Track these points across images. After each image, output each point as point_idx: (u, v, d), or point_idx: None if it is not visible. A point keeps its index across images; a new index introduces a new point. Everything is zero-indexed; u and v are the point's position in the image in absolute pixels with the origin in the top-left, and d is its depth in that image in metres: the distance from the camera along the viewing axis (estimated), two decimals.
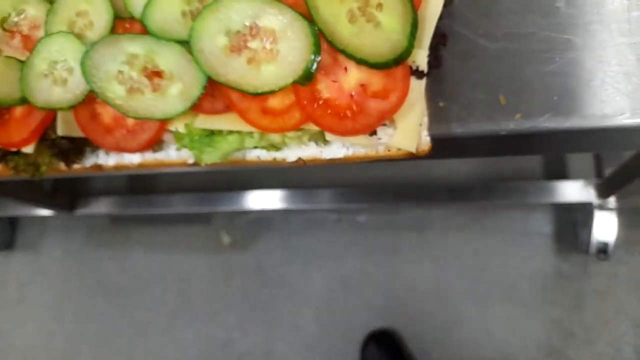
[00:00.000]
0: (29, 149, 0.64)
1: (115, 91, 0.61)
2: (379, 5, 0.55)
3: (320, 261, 2.11)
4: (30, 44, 0.67)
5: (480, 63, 0.60)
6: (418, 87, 0.56)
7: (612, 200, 1.55)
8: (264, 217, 2.17)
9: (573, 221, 1.80)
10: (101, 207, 2.10)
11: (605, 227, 1.57)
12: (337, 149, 0.59)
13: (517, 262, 1.88)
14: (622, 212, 1.61)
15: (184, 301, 2.17)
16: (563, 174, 1.80)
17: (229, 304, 2.12)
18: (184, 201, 2.09)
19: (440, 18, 0.57)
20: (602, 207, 1.56)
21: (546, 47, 0.60)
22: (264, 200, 2.04)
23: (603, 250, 1.58)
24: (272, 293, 2.10)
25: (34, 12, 0.67)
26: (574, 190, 1.60)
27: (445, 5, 0.56)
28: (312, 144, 0.60)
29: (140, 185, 2.27)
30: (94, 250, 2.28)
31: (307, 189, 2.03)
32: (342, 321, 2.03)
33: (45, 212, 2.04)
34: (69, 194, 2.08)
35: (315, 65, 0.55)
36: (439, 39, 0.57)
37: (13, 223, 2.33)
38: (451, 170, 2.02)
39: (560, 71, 0.59)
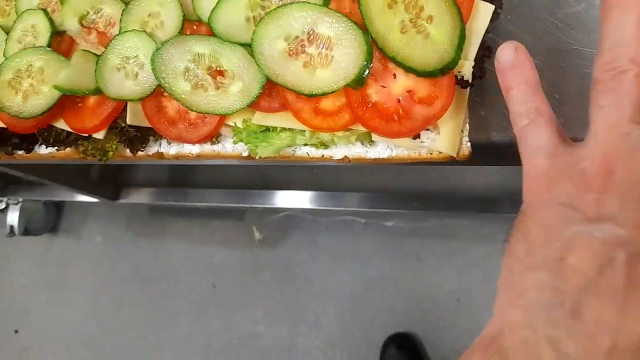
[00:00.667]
0: (99, 135, 0.71)
1: (181, 87, 0.67)
2: (430, 18, 0.59)
3: (346, 262, 2.14)
4: (105, 39, 0.73)
5: None
6: (462, 95, 0.60)
7: None
8: (295, 216, 2.22)
9: None
10: (142, 197, 2.19)
11: None
12: (381, 149, 0.64)
13: None
14: None
15: (213, 293, 2.24)
16: None
17: (256, 298, 2.18)
18: (219, 196, 2.16)
19: (487, 32, 0.61)
20: None
21: (586, 63, 0.63)
22: (296, 199, 2.09)
23: None
24: (298, 290, 2.15)
25: (110, 11, 0.74)
26: None
27: (491, 20, 0.60)
28: (359, 143, 0.65)
29: (179, 179, 2.35)
30: (131, 239, 2.38)
31: (337, 192, 2.07)
32: (364, 322, 2.06)
33: (89, 199, 2.14)
34: (113, 184, 2.18)
35: (367, 72, 0.59)
36: (484, 51, 0.60)
37: (59, 207, 2.45)
38: (480, 182, 2.04)
39: None
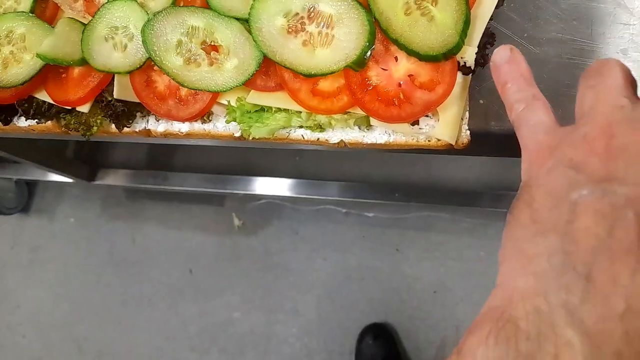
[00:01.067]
0: (83, 108, 0.68)
1: (173, 61, 0.64)
2: (435, 1, 0.58)
3: (326, 251, 2.14)
4: (92, 8, 0.70)
5: None
6: (463, 82, 0.59)
7: None
8: (275, 204, 2.20)
9: None
10: (119, 179, 2.14)
11: None
12: (379, 134, 0.62)
13: None
14: None
15: (190, 278, 2.21)
16: None
17: (234, 285, 2.16)
18: (199, 180, 2.13)
19: (490, 19, 0.59)
20: None
21: (587, 55, 0.63)
22: (277, 186, 2.07)
23: None
24: (276, 278, 2.13)
25: None
26: None
27: (495, 7, 0.59)
28: (356, 128, 0.63)
29: (158, 162, 2.30)
30: (107, 221, 2.32)
31: (319, 180, 2.06)
32: (341, 311, 2.06)
33: (63, 179, 2.08)
34: (89, 164, 2.12)
35: (369, 53, 0.58)
36: (488, 38, 0.59)
37: (30, 187, 2.37)
38: (460, 175, 2.05)
39: None
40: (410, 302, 2.03)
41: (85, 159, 2.15)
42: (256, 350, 2.08)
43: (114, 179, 2.15)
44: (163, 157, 2.31)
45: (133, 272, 2.25)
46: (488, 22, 0.60)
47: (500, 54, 0.46)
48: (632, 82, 0.38)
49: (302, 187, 2.07)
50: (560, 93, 0.62)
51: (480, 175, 2.01)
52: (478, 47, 0.59)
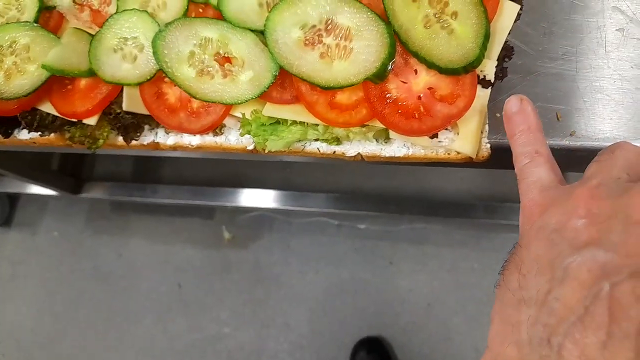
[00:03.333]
0: (91, 120, 0.65)
1: (185, 73, 0.63)
2: (454, 14, 0.58)
3: (318, 264, 2.12)
4: (99, 18, 0.68)
5: (539, 79, 0.63)
6: (483, 95, 0.59)
7: None
8: (266, 216, 2.18)
9: None
10: (104, 191, 2.10)
11: None
12: (397, 147, 0.61)
13: None
14: None
15: (178, 292, 2.16)
16: None
17: (223, 299, 2.12)
18: (188, 192, 2.10)
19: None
20: None
21: (601, 70, 0.63)
22: (267, 198, 2.05)
23: None
24: (267, 291, 2.10)
25: None
26: None
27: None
28: (374, 141, 0.62)
29: (145, 175, 2.27)
30: (91, 235, 2.27)
31: (310, 192, 2.05)
32: (334, 325, 2.04)
33: (47, 191, 2.02)
34: (73, 177, 2.07)
35: (390, 66, 0.57)
36: (506, 51, 0.59)
37: (12, 200, 2.31)
38: (452, 187, 2.06)
39: (615, 95, 0.62)
40: (404, 315, 2.01)
41: (70, 172, 2.10)
42: None
43: (99, 191, 2.11)
44: (150, 169, 2.27)
45: (119, 287, 2.20)
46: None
47: (511, 104, 0.48)
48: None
49: (293, 199, 2.05)
50: (578, 107, 0.63)
51: (472, 187, 2.03)
52: (497, 60, 0.59)
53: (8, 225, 2.30)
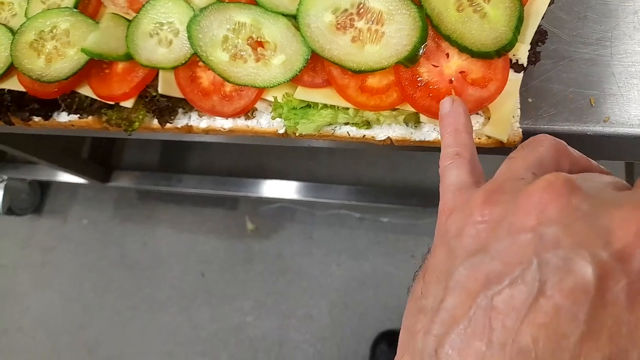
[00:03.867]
0: (127, 103, 0.67)
1: (219, 57, 0.64)
2: None
3: (340, 256, 2.13)
4: (135, 4, 0.70)
5: (572, 64, 0.63)
6: (515, 79, 0.59)
7: None
8: (289, 208, 2.20)
9: None
10: (132, 180, 2.14)
11: None
12: (427, 132, 0.62)
13: None
14: None
15: (202, 282, 2.20)
16: None
17: (246, 289, 2.15)
18: (212, 183, 2.12)
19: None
20: None
21: (637, 55, 0.63)
22: (290, 189, 2.07)
23: None
24: (290, 282, 2.12)
25: None
26: None
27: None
28: (404, 125, 0.63)
29: (171, 164, 2.30)
30: (119, 224, 2.32)
31: (333, 184, 2.05)
32: (355, 317, 2.05)
33: (76, 180, 2.08)
34: (103, 165, 2.12)
35: (422, 49, 0.57)
36: (540, 36, 0.59)
37: (43, 187, 2.37)
38: None
39: None
40: None
41: (100, 160, 2.15)
42: (268, 356, 2.06)
43: (127, 180, 2.15)
44: (176, 159, 2.31)
45: (144, 276, 2.24)
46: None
47: (444, 105, 0.49)
48: (555, 159, 0.38)
49: (316, 190, 2.06)
50: (610, 92, 0.62)
51: None
52: (530, 44, 0.59)
53: (39, 212, 2.37)
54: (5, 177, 2.17)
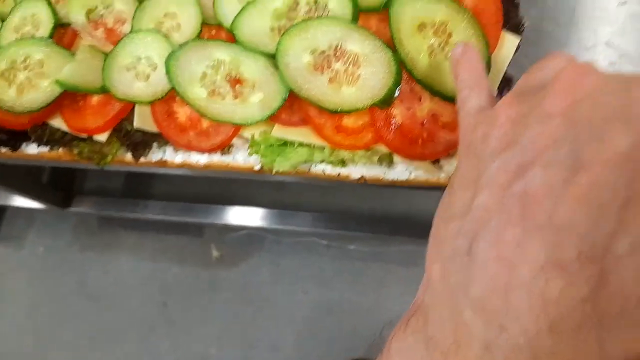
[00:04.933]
0: (101, 137, 0.67)
1: (197, 93, 0.64)
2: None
3: (307, 284, 2.11)
4: (113, 37, 0.70)
5: None
6: None
7: None
8: (256, 235, 2.17)
9: None
10: (93, 206, 2.07)
11: None
12: (400, 171, 0.63)
13: None
14: None
15: (164, 311, 2.13)
16: None
17: (210, 318, 2.09)
18: (177, 209, 2.08)
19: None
20: None
21: None
22: (256, 217, 2.05)
23: None
24: (255, 311, 2.08)
25: (121, 7, 0.70)
26: None
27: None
28: (378, 164, 0.64)
29: (133, 190, 2.25)
30: (78, 251, 2.23)
31: (301, 211, 2.05)
32: (322, 346, 2.02)
33: (34, 205, 2.00)
34: (64, 190, 2.05)
35: (396, 93, 0.60)
36: (505, 83, 0.62)
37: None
38: None
39: None
40: None
41: (61, 186, 2.08)
42: None
43: (89, 206, 2.08)
44: (140, 184, 2.26)
45: (104, 305, 2.16)
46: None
47: (457, 49, 0.48)
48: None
49: (283, 217, 2.05)
50: None
51: None
52: (497, 90, 0.62)
53: None
54: None
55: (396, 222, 2.02)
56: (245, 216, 2.03)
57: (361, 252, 2.13)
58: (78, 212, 2.09)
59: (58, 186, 2.05)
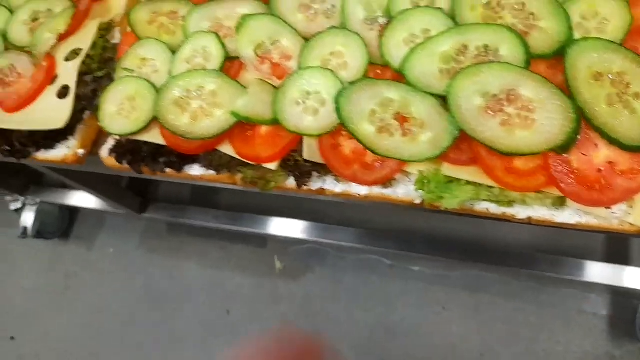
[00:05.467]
0: (272, 165, 0.70)
1: (366, 129, 0.67)
2: (636, 95, 0.61)
3: (367, 303, 2.11)
4: (278, 71, 0.73)
5: None
6: None
7: None
8: (319, 250, 2.19)
9: (632, 308, 1.81)
10: (168, 213, 2.14)
11: None
12: (569, 215, 0.64)
13: (567, 339, 1.87)
14: None
15: (225, 318, 2.17)
16: (625, 259, 1.81)
17: (269, 329, 2.12)
18: (242, 220, 2.12)
19: None
20: None
21: None
22: (321, 232, 2.07)
23: None
24: (314, 326, 2.10)
25: (288, 43, 0.73)
26: (637, 277, 1.61)
27: None
28: (546, 206, 0.65)
29: (201, 199, 2.30)
30: (145, 254, 2.30)
31: (368, 230, 2.06)
32: None
33: (105, 208, 2.08)
34: (140, 197, 2.12)
35: (576, 140, 0.61)
36: None
37: (72, 213, 2.37)
38: (515, 235, 2.06)
39: None
40: None
41: (137, 191, 2.15)
42: None
43: (162, 213, 2.15)
44: (207, 194, 2.31)
45: (168, 309, 2.21)
46: None
47: None
48: None
49: (348, 234, 2.07)
50: None
51: (533, 238, 2.02)
52: None
53: (66, 238, 2.35)
54: (38, 200, 2.17)
55: (462, 246, 2.01)
56: (310, 230, 2.05)
57: (424, 274, 2.12)
58: (145, 218, 2.16)
59: (135, 192, 2.12)
